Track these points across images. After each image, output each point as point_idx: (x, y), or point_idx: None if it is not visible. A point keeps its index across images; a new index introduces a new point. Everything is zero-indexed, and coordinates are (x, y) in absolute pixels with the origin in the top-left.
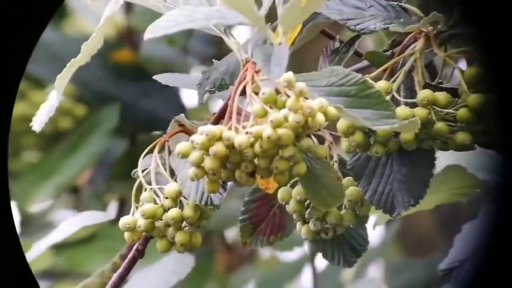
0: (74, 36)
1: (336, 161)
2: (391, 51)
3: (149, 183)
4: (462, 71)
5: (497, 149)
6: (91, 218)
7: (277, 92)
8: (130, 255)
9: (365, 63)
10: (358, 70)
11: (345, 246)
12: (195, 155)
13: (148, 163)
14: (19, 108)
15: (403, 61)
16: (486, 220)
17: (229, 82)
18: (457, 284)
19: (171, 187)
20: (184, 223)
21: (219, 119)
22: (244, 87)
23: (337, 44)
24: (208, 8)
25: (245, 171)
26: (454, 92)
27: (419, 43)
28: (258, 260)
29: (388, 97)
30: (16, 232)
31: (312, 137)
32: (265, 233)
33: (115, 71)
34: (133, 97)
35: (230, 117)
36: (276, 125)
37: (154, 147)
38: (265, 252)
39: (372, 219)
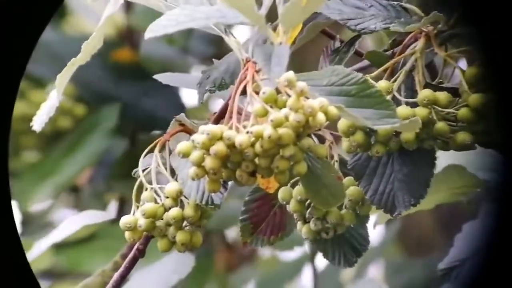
0: (74, 36)
1: (336, 161)
2: (391, 50)
3: (150, 183)
4: (463, 71)
5: (497, 148)
6: (91, 217)
7: (278, 91)
8: (131, 255)
9: (365, 62)
10: (358, 70)
11: (345, 245)
12: (196, 155)
13: (149, 163)
14: (19, 108)
15: (404, 60)
16: (486, 219)
17: (229, 82)
18: (457, 284)
19: (171, 186)
20: (184, 223)
21: (219, 118)
22: (245, 87)
23: (337, 44)
24: (209, 8)
25: (246, 171)
26: (454, 92)
27: (420, 43)
28: (258, 259)
29: (388, 97)
30: (17, 232)
31: (313, 136)
32: (266, 233)
33: (115, 71)
34: (133, 96)
35: (231, 117)
36: (277, 125)
37: (154, 146)
38: (265, 252)
39: (372, 218)
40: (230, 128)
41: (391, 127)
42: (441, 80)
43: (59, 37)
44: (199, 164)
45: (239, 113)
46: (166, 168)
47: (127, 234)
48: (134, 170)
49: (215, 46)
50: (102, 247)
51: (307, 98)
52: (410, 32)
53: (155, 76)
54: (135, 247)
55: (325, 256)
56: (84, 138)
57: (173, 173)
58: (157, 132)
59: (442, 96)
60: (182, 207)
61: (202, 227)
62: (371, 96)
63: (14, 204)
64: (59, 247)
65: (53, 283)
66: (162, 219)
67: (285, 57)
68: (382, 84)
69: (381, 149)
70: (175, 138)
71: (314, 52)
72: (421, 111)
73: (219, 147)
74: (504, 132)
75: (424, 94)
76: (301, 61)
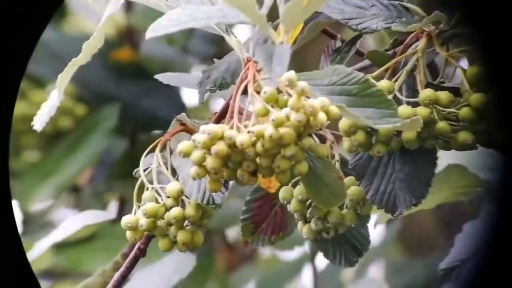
0: (74, 36)
1: (337, 161)
2: (392, 50)
3: (151, 182)
4: (464, 70)
5: (498, 148)
6: (92, 217)
7: (279, 91)
8: (132, 254)
9: (366, 62)
10: (359, 70)
11: (346, 245)
12: (197, 154)
13: (150, 162)
14: (19, 108)
15: (405, 60)
16: (487, 219)
17: (230, 81)
18: (458, 284)
19: (173, 186)
20: (186, 222)
21: (220, 118)
22: (246, 86)
23: (338, 44)
24: (210, 7)
25: (247, 170)
26: (456, 92)
27: (421, 43)
28: (259, 259)
29: (390, 97)
30: (17, 232)
31: (314, 136)
32: (267, 233)
33: (115, 71)
34: (133, 96)
35: (232, 116)
36: (278, 124)
37: (155, 146)
38: (266, 252)
39: (373, 218)
40: (231, 127)
41: (392, 126)
42: (442, 79)
43: (59, 37)
44: (200, 163)
45: (240, 112)
46: (167, 168)
47: (128, 233)
48: (135, 170)
49: (216, 46)
50: (103, 247)
51: (308, 97)
52: (412, 32)
53: (156, 76)
54: (136, 246)
55: (326, 256)
56: (84, 138)
57: (174, 172)
58: (157, 132)
59: (444, 95)
60: (183, 206)
61: (203, 227)
62: (373, 96)
63: (15, 204)
64: (60, 247)
65: (53, 283)
66: (163, 218)
67: (287, 56)
68: (384, 84)
69: (382, 149)
70: (176, 137)
71: (315, 51)
72: (423, 111)
73: (220, 146)
74: (505, 132)
75: (425, 93)
76: (301, 60)
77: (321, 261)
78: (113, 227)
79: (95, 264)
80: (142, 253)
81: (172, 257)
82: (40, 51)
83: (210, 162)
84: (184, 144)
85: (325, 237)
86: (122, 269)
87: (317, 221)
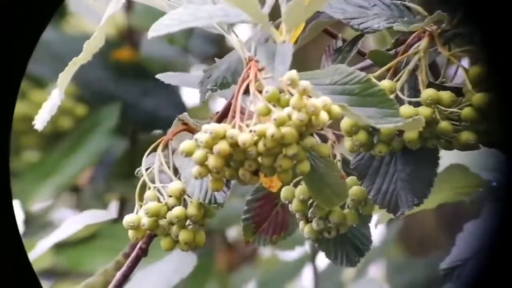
0: (74, 36)
1: (339, 160)
2: (394, 50)
3: (153, 182)
4: (466, 70)
5: (500, 148)
6: (93, 217)
7: (281, 90)
8: (133, 254)
9: (367, 62)
10: (361, 69)
11: (348, 245)
12: (199, 154)
13: (152, 162)
14: (19, 108)
15: (407, 60)
16: (488, 219)
17: (231, 81)
18: (459, 284)
19: (174, 185)
20: (188, 222)
21: (222, 117)
22: (248, 86)
23: (339, 43)
24: (212, 7)
25: (249, 170)
26: (458, 91)
27: (423, 42)
28: (259, 259)
29: (392, 96)
30: (18, 231)
31: (315, 136)
32: (268, 232)
33: (115, 70)
34: (133, 96)
35: (234, 116)
36: (280, 124)
37: (157, 145)
38: (266, 252)
39: (374, 218)
40: (233, 127)
41: (394, 126)
42: (444, 79)
43: (59, 37)
44: (202, 163)
45: (242, 112)
46: (169, 167)
47: (130, 233)
48: (137, 169)
49: (216, 46)
50: (103, 247)
51: (310, 97)
52: (413, 32)
53: (157, 76)
54: (138, 246)
55: (328, 255)
56: (84, 138)
57: (176, 172)
58: (157, 132)
59: (446, 95)
60: (185, 206)
61: (205, 226)
62: (374, 95)
63: (17, 204)
64: (60, 246)
65: (54, 283)
66: (165, 218)
67: (289, 55)
68: (385, 84)
69: (384, 149)
70: (177, 137)
71: (316, 51)
72: (424, 111)
73: (222, 146)
74: (506, 131)
75: (427, 93)
76: (302, 60)
77: (322, 261)
78: (113, 227)
79: (96, 263)
80: (144, 252)
81: (172, 256)
82: (40, 51)
83: (212, 162)
84: (186, 144)
85: (327, 237)
86: (124, 268)
87: (319, 221)
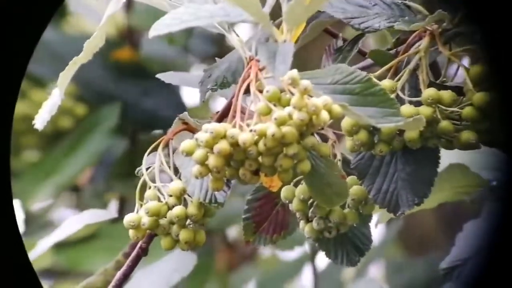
0: (74, 36)
1: (339, 160)
2: (395, 49)
3: (153, 181)
4: (467, 69)
5: (501, 147)
6: (93, 216)
7: (281, 90)
8: (134, 253)
9: (368, 61)
10: (361, 69)
11: (348, 245)
12: (199, 153)
13: (152, 161)
14: (19, 108)
15: (408, 59)
16: (488, 219)
17: (231, 80)
18: (459, 283)
19: (175, 185)
20: (188, 221)
21: (222, 117)
22: (248, 85)
23: (340, 43)
24: (213, 6)
25: (249, 169)
26: (459, 91)
27: (424, 42)
28: (259, 259)
29: (392, 96)
30: (18, 231)
31: (316, 135)
32: (268, 232)
33: (115, 70)
34: (133, 96)
35: (234, 115)
36: (280, 123)
37: (158, 145)
38: (266, 251)
39: (374, 217)
40: (234, 126)
41: (394, 125)
42: (445, 79)
43: (59, 36)
44: (202, 162)
45: (243, 111)
46: (169, 167)
47: (131, 232)
48: (137, 169)
49: (216, 45)
50: (103, 247)
51: (311, 96)
52: (414, 31)
53: (158, 75)
54: (138, 245)
55: (328, 255)
56: (84, 137)
57: (176, 171)
58: (157, 131)
59: (446, 95)
60: (186, 205)
61: (205, 226)
62: (375, 95)
63: (17, 204)
64: (60, 246)
65: (55, 282)
66: (165, 217)
67: (290, 55)
68: (386, 83)
69: (385, 148)
70: (178, 137)
71: (316, 50)
72: (425, 110)
73: (222, 145)
74: (507, 131)
75: (428, 93)
76: (303, 59)
77: (321, 260)
78: (113, 227)
79: (96, 263)
80: (144, 252)
81: (172, 256)
82: (41, 51)
83: (212, 161)
84: (186, 143)
85: (327, 237)
86: (124, 267)
87: (319, 221)
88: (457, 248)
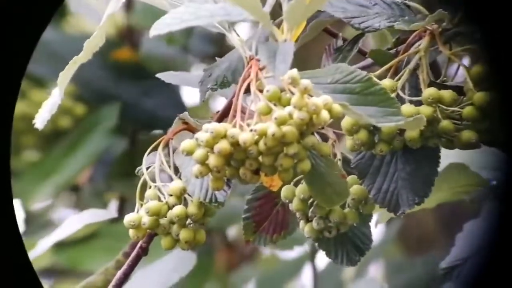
0: (74, 35)
1: (340, 159)
2: (395, 49)
3: (153, 181)
4: (468, 69)
5: (501, 147)
6: (93, 216)
7: (282, 89)
8: (134, 253)
9: (368, 61)
10: (361, 68)
11: (348, 244)
12: (199, 153)
13: (152, 161)
14: (19, 107)
15: (408, 59)
16: (488, 218)
17: (231, 80)
18: (459, 283)
19: (175, 184)
20: (188, 220)
21: (223, 117)
22: (248, 85)
23: (340, 42)
24: (213, 5)
25: (250, 169)
26: (459, 90)
27: (424, 41)
28: (259, 258)
29: (393, 95)
30: (18, 231)
31: (316, 135)
32: (268, 231)
33: (115, 70)
34: (133, 96)
35: (235, 115)
36: (281, 123)
37: (158, 144)
38: (266, 251)
39: (374, 217)
40: (234, 126)
41: (395, 124)
42: (445, 78)
43: (59, 36)
44: (203, 162)
45: (243, 111)
46: (169, 166)
47: (131, 231)
48: (138, 168)
49: (216, 45)
50: (103, 246)
51: (311, 96)
52: (414, 30)
53: (158, 75)
54: (138, 245)
55: (328, 255)
56: (84, 137)
57: (176, 171)
58: (157, 131)
59: (447, 94)
60: (186, 205)
61: (205, 225)
62: (375, 94)
63: (18, 203)
64: (60, 246)
65: (55, 282)
66: (165, 217)
67: (290, 54)
68: (386, 83)
69: (385, 148)
70: (178, 136)
71: (316, 50)
72: (426, 109)
73: (223, 145)
74: (507, 130)
75: (428, 92)
76: (303, 59)
77: (321, 260)
78: (113, 226)
79: (96, 263)
80: (144, 251)
81: (172, 255)
82: (41, 51)
83: (213, 161)
84: (187, 143)
85: (327, 236)
86: (124, 267)
87: (319, 220)
88: (457, 248)
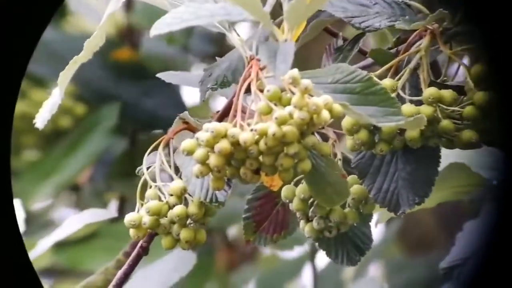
0: (74, 35)
1: (340, 159)
2: (395, 48)
3: (154, 180)
4: (468, 69)
5: (501, 147)
6: (93, 216)
7: (282, 89)
8: (134, 252)
9: (369, 61)
10: (362, 68)
11: (348, 244)
12: (200, 152)
13: (153, 161)
14: (19, 107)
15: (408, 58)
16: (488, 218)
17: (231, 79)
18: (459, 283)
19: (176, 184)
20: (189, 220)
21: (223, 116)
22: (249, 84)
23: (340, 42)
24: (213, 5)
25: (250, 168)
26: (459, 90)
27: (425, 41)
28: (259, 258)
29: (393, 95)
30: (18, 230)
31: (316, 135)
32: (269, 231)
33: (115, 70)
34: (133, 95)
35: (235, 115)
36: (281, 122)
37: (158, 144)
38: (266, 251)
39: (374, 217)
40: (235, 126)
41: (395, 124)
42: (445, 78)
43: (59, 36)
44: (203, 161)
45: (243, 111)
46: (170, 166)
47: (131, 231)
48: (138, 168)
49: (216, 45)
50: (103, 246)
51: (311, 95)
52: (415, 30)
53: (158, 75)
54: (139, 244)
55: (328, 254)
56: (84, 137)
57: (177, 171)
58: (157, 131)
59: (447, 94)
60: (186, 204)
61: (206, 225)
62: (376, 94)
63: (18, 203)
64: (61, 245)
65: (55, 282)
66: (166, 216)
67: (291, 54)
68: (387, 82)
69: (385, 147)
70: (178, 136)
71: (316, 50)
72: (426, 109)
73: (223, 144)
74: (507, 130)
75: (429, 92)
76: (303, 59)
77: (321, 260)
78: (113, 226)
79: (96, 262)
80: (144, 251)
81: (172, 255)
82: (41, 51)
83: (213, 160)
84: (187, 142)
85: (327, 236)
86: (125, 267)
87: (319, 220)
88: (457, 248)
